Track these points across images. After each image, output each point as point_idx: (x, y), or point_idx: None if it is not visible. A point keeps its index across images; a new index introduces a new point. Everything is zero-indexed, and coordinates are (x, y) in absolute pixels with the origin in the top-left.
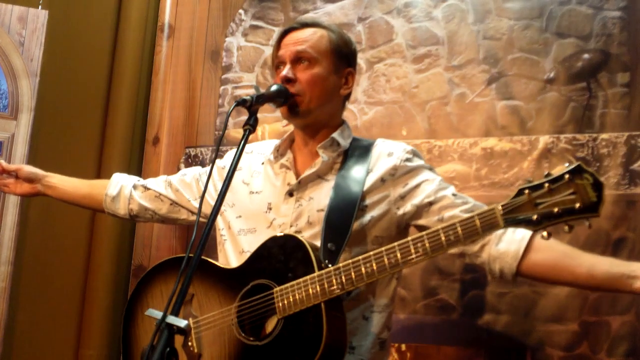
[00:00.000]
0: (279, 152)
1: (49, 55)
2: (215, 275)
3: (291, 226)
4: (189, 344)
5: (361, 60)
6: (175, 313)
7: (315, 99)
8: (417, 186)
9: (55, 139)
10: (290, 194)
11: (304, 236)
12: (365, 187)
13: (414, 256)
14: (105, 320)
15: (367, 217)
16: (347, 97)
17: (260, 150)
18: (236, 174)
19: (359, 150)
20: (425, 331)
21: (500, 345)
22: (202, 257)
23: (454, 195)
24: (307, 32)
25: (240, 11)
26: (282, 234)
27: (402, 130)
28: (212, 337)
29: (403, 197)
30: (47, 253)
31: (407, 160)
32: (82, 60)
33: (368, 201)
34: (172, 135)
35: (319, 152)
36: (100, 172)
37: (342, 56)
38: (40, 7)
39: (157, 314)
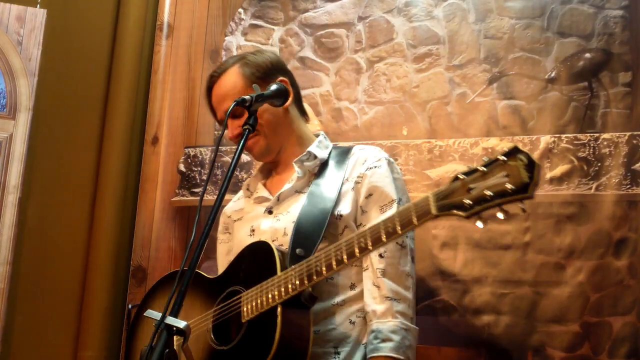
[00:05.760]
0: (249, 189)
1: (48, 55)
2: (200, 284)
3: (273, 240)
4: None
5: (361, 59)
6: (175, 314)
7: (269, 133)
8: (378, 209)
9: (54, 139)
10: (269, 211)
11: (282, 248)
12: (341, 197)
13: (357, 252)
14: (104, 321)
15: (343, 225)
16: (297, 99)
17: (235, 198)
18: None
19: (337, 159)
20: (426, 332)
21: (501, 346)
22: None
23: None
24: (223, 83)
25: (240, 10)
26: (255, 240)
27: (402, 130)
28: (191, 344)
29: (364, 212)
30: (46, 254)
31: (374, 167)
32: (81, 60)
33: (344, 210)
34: (172, 135)
35: (295, 167)
36: (99, 171)
37: (261, 79)
38: (38, 6)
39: (156, 314)
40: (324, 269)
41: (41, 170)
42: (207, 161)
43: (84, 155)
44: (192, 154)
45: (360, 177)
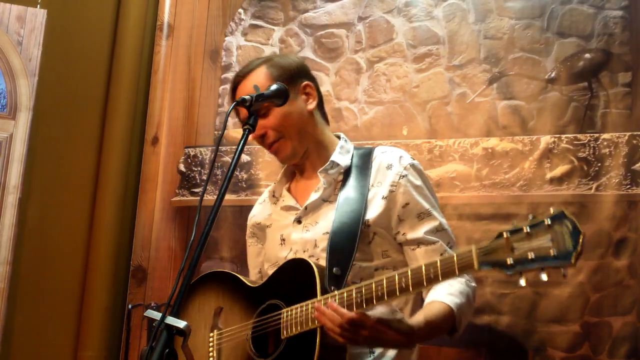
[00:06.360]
0: (275, 196)
1: (48, 55)
2: (241, 291)
3: (304, 252)
4: (210, 353)
5: (361, 59)
6: (175, 314)
7: (295, 136)
8: (415, 217)
9: (54, 139)
10: (298, 221)
11: (314, 259)
12: (368, 204)
13: (397, 291)
14: (104, 321)
15: (372, 234)
16: (321, 104)
17: (260, 201)
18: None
19: (359, 164)
20: None
21: (502, 347)
22: (232, 272)
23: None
24: (249, 82)
25: (240, 10)
26: (296, 257)
27: (402, 130)
28: (230, 350)
29: (402, 220)
30: (46, 254)
31: (405, 176)
32: (81, 60)
33: (371, 218)
34: (171, 135)
35: (320, 177)
36: (99, 172)
37: (287, 82)
38: (38, 6)
39: (157, 314)
40: (364, 303)
41: (41, 171)
42: (207, 161)
43: (84, 155)
44: (192, 154)
45: (394, 187)
